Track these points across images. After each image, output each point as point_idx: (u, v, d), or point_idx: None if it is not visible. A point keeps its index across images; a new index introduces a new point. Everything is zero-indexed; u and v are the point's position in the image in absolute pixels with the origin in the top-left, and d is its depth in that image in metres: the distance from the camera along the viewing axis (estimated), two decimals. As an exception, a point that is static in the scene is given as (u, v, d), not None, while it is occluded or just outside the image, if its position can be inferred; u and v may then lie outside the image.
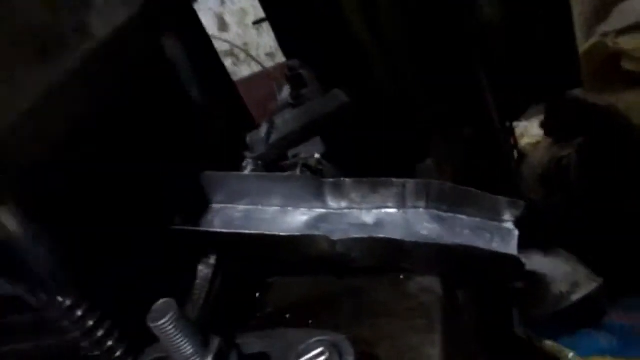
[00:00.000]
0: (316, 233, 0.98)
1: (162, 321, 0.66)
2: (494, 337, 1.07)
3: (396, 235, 1.03)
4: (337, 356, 0.69)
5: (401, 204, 1.08)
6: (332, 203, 1.10)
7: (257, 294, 1.08)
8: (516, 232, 1.03)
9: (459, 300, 0.97)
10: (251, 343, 0.77)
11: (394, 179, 1.06)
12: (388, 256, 0.97)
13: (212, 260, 1.04)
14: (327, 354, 0.69)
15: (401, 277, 0.97)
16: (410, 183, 1.05)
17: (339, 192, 1.09)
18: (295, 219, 1.10)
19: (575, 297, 2.22)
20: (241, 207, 1.14)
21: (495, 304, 1.08)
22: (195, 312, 0.97)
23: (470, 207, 1.06)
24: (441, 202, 1.06)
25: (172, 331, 0.67)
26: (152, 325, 0.66)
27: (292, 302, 1.03)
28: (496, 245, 1.01)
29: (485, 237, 1.03)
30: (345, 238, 0.95)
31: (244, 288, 1.09)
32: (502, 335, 1.13)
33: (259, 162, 1.29)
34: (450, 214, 1.07)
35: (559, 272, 2.27)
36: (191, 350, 0.69)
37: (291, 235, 0.98)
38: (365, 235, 0.95)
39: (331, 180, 1.09)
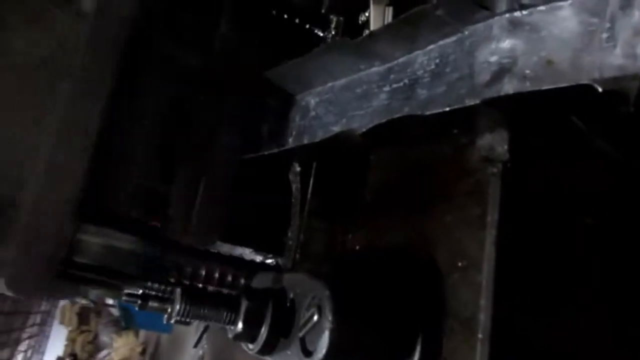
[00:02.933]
0: (349, 127, 0.81)
1: (175, 313, 0.73)
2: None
3: (463, 71, 0.75)
4: (323, 313, 0.63)
5: (457, 26, 0.75)
6: (387, 56, 0.86)
7: (365, 174, 1.00)
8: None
9: (536, 162, 0.66)
10: (288, 289, 0.76)
11: (426, 6, 0.73)
12: (434, 126, 0.72)
13: (297, 167, 1.00)
14: (316, 316, 0.64)
15: (464, 140, 0.72)
16: (452, -2, 0.71)
17: (384, 42, 0.83)
18: (362, 88, 0.92)
19: None
20: (315, 91, 1.02)
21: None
22: (298, 220, 1.00)
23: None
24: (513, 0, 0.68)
25: (191, 313, 0.74)
26: (172, 318, 0.75)
27: (383, 185, 0.91)
28: (608, 26, 0.60)
29: (589, 25, 0.63)
30: (367, 129, 0.76)
31: (352, 170, 1.02)
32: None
33: (334, 16, 1.09)
34: (531, 11, 0.68)
35: None
36: (223, 318, 0.75)
37: (325, 139, 0.85)
38: (382, 120, 0.73)
39: (365, 36, 0.83)
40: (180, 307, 0.74)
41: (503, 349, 0.59)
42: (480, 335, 0.59)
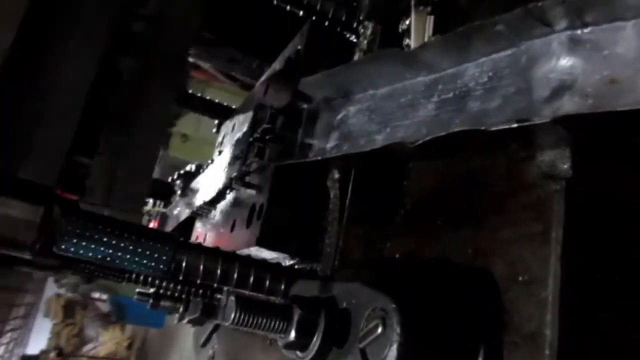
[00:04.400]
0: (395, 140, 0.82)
1: (230, 321, 0.73)
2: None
3: (520, 85, 0.76)
4: (388, 325, 0.63)
5: (513, 41, 0.75)
6: (435, 67, 0.86)
7: (405, 182, 1.00)
8: None
9: (598, 178, 0.67)
10: (339, 298, 0.76)
11: (484, 21, 0.73)
12: (492, 139, 0.73)
13: (336, 174, 1.00)
14: (380, 328, 0.64)
15: (522, 154, 0.73)
16: (511, 15, 0.71)
17: (435, 53, 0.84)
18: (406, 98, 0.92)
19: None
20: (355, 98, 1.02)
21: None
22: (335, 228, 1.00)
23: (620, 9, 0.65)
24: (573, 18, 0.69)
25: (245, 321, 0.74)
26: (227, 326, 0.74)
27: (425, 195, 0.92)
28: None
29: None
30: (421, 142, 0.76)
31: (391, 177, 1.02)
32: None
33: (371, 23, 1.09)
34: (592, 29, 0.69)
35: None
36: (275, 327, 0.75)
37: (371, 150, 0.85)
38: (442, 132, 0.74)
39: (419, 46, 0.84)
40: (235, 315, 0.74)
41: (568, 363, 0.60)
42: (547, 352, 0.60)
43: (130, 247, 0.86)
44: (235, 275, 0.96)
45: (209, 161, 1.57)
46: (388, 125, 0.93)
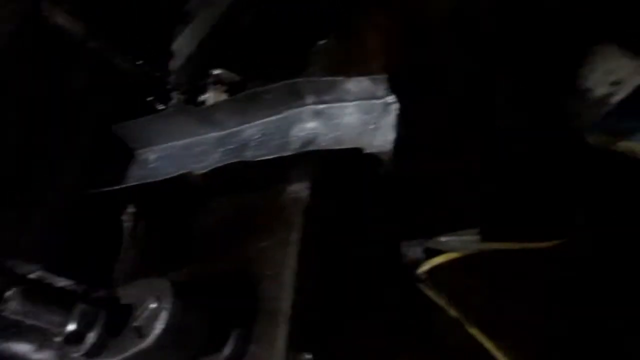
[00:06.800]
0: (188, 170, 1.02)
1: (8, 309, 0.79)
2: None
3: (277, 142, 1.03)
4: (162, 299, 0.77)
5: (278, 109, 1.05)
6: (224, 125, 1.11)
7: (192, 219, 1.18)
8: (396, 105, 0.95)
9: (329, 202, 0.96)
10: (126, 295, 0.88)
11: (259, 89, 1.02)
12: (257, 174, 0.98)
13: (131, 209, 1.14)
14: (155, 304, 0.78)
15: (281, 188, 0.99)
16: (277, 86, 1.01)
17: (223, 113, 1.09)
18: (200, 148, 1.14)
19: (617, 98, 1.99)
20: (155, 148, 1.20)
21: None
22: (127, 259, 1.11)
23: (345, 94, 0.99)
24: (316, 96, 1.01)
25: (23, 312, 0.79)
26: (3, 314, 0.80)
27: (211, 230, 1.11)
28: (375, 121, 0.96)
29: (364, 119, 0.98)
30: (206, 171, 0.98)
31: (180, 216, 1.18)
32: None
33: (177, 93, 1.31)
34: (328, 105, 1.02)
35: (597, 73, 2.02)
36: (55, 321, 0.82)
37: (165, 179, 1.04)
38: (221, 164, 0.97)
39: (208, 106, 1.09)
40: (18, 305, 0.79)
41: (299, 330, 0.81)
42: (281, 319, 0.81)
43: None
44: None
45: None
46: (183, 168, 1.12)
